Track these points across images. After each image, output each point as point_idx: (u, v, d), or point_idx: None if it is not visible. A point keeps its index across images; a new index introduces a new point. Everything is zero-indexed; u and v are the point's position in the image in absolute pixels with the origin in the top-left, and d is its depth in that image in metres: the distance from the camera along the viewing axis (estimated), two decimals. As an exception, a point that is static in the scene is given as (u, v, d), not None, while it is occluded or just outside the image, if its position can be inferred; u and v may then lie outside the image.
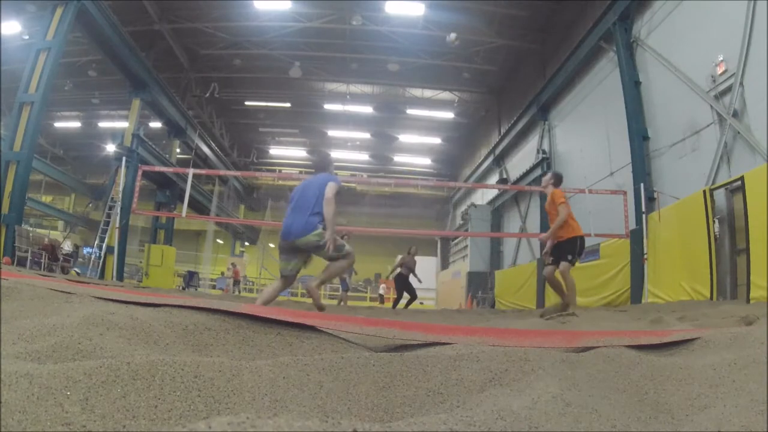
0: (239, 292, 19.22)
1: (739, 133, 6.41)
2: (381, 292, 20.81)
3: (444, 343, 1.34)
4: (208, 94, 20.90)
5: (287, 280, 4.02)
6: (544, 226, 11.33)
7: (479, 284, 16.16)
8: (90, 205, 23.63)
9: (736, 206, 5.88)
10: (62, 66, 12.62)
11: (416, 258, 10.05)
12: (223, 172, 21.55)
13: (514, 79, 18.24)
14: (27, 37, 15.39)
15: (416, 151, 28.24)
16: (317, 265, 4.29)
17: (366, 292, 24.81)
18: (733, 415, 0.75)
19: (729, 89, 6.62)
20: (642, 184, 8.13)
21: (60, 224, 27.63)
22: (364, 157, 28.79)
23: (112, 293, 1.87)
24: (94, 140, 25.52)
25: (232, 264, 21.24)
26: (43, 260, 12.04)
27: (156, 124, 19.42)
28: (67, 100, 21.98)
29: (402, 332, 1.46)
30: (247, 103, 23.57)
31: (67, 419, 0.67)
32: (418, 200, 30.32)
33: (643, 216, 7.92)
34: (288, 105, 23.52)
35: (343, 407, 0.87)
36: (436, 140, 26.46)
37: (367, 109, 23.49)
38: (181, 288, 18.44)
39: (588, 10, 11.65)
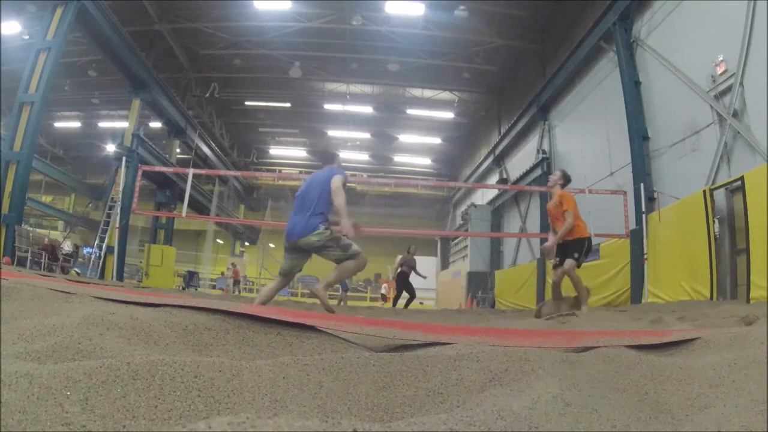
0: (239, 292, 19.22)
1: (739, 133, 6.41)
2: (383, 291, 20.90)
3: (444, 343, 1.34)
4: (208, 94, 20.90)
5: (286, 278, 4.03)
6: (544, 226, 11.34)
7: (479, 284, 16.16)
8: (90, 205, 23.63)
9: (736, 206, 5.88)
10: (62, 66, 12.61)
11: (416, 258, 10.28)
12: (223, 172, 21.55)
13: (514, 79, 18.24)
14: (27, 37, 15.39)
15: (416, 151, 28.24)
16: (316, 265, 4.28)
17: (366, 292, 24.84)
18: (733, 415, 0.75)
19: (729, 89, 6.62)
20: (642, 184, 8.13)
21: (60, 224, 27.63)
22: (364, 157, 28.80)
23: (112, 293, 1.87)
24: (94, 140, 25.51)
25: (232, 264, 21.26)
26: (43, 260, 12.04)
27: (156, 124, 19.42)
28: (67, 100, 21.98)
29: (402, 332, 1.47)
30: (247, 103, 23.57)
31: (67, 419, 0.67)
32: (418, 200, 30.32)
33: (643, 216, 7.92)
34: (288, 105, 23.53)
35: (343, 407, 0.87)
36: (436, 140, 26.46)
37: (367, 109, 23.49)
38: (181, 288, 18.44)
39: (588, 10, 11.65)
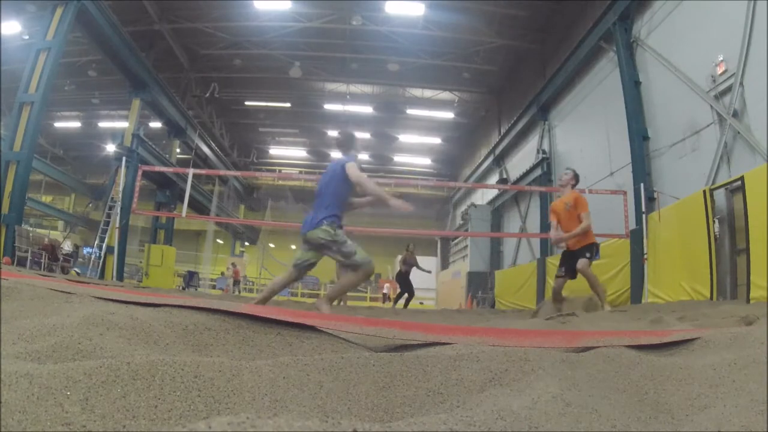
0: (239, 292, 19.23)
1: (739, 133, 6.41)
2: (385, 291, 20.97)
3: (444, 343, 1.34)
4: (208, 94, 20.90)
5: (297, 271, 3.92)
6: (544, 226, 11.35)
7: (479, 284, 16.16)
8: (90, 205, 23.62)
9: (736, 206, 5.87)
10: (62, 66, 12.61)
11: (417, 257, 10.43)
12: (223, 172, 21.55)
13: (514, 79, 18.24)
14: (27, 37, 15.39)
15: (416, 151, 28.23)
16: (323, 267, 4.26)
17: (366, 292, 24.82)
18: (733, 415, 0.75)
19: (729, 89, 6.62)
20: (642, 184, 8.12)
21: (60, 224, 27.63)
22: (364, 157, 28.79)
23: (112, 293, 1.87)
24: (94, 140, 25.51)
25: (232, 264, 21.27)
26: (43, 260, 12.04)
27: (156, 124, 19.41)
28: (67, 100, 21.97)
29: (402, 332, 1.46)
30: (247, 103, 23.56)
31: (67, 419, 0.67)
32: (418, 200, 30.29)
33: (643, 216, 7.91)
34: (288, 105, 23.52)
35: (343, 407, 0.87)
36: (436, 140, 26.45)
37: (367, 109, 23.49)
38: (181, 288, 18.45)
39: (588, 10, 11.65)
